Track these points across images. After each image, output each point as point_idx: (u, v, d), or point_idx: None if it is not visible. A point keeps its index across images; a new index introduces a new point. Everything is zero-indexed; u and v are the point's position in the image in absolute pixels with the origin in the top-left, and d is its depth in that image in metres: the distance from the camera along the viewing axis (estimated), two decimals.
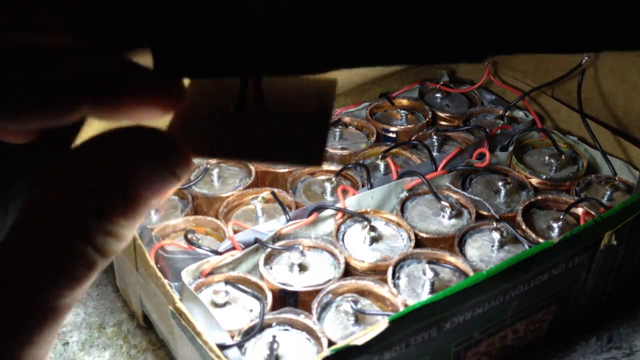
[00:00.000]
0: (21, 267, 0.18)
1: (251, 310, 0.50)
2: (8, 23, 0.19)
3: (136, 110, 0.20)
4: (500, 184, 0.61)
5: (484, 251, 0.55)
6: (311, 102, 0.23)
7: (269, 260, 0.54)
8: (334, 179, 0.63)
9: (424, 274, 0.50)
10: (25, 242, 0.18)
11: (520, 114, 0.74)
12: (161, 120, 0.22)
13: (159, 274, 0.46)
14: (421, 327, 0.43)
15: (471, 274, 0.51)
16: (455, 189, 0.61)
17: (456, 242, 0.55)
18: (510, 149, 0.66)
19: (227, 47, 0.20)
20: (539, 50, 0.20)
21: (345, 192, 0.59)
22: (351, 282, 0.51)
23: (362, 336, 0.40)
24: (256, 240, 0.53)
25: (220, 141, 0.22)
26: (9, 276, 0.18)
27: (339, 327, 0.49)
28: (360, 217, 0.57)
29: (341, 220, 0.57)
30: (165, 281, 0.46)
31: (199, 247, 0.52)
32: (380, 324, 0.41)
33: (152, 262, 0.48)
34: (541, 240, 0.55)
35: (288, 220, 0.56)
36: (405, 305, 0.48)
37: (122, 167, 0.18)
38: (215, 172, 0.63)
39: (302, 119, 0.22)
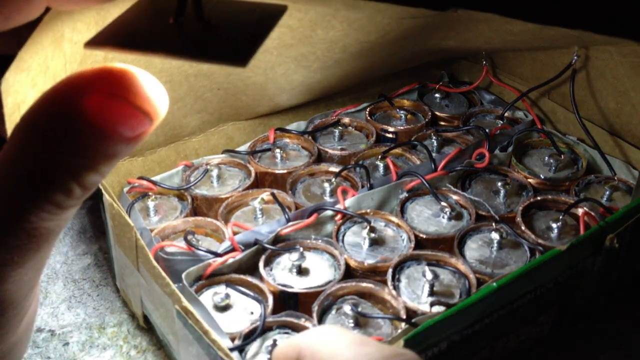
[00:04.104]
0: (4, 185, 0.19)
1: (252, 313, 0.50)
2: None
3: None
4: (499, 184, 0.61)
5: (484, 252, 0.55)
6: (251, 23, 0.24)
7: (269, 261, 0.54)
8: (333, 179, 0.63)
9: (424, 275, 0.50)
10: (12, 164, 0.20)
11: (519, 114, 0.74)
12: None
13: (163, 274, 0.46)
14: (431, 343, 0.43)
15: (471, 275, 0.51)
16: (455, 189, 0.61)
17: (456, 243, 0.55)
18: (510, 149, 0.66)
19: None
20: (508, 14, 0.20)
21: (345, 193, 0.59)
22: (351, 285, 0.51)
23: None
24: (256, 242, 0.53)
25: (151, 40, 0.22)
26: None
27: None
28: (360, 218, 0.57)
29: (341, 221, 0.57)
30: (169, 281, 0.46)
31: (199, 248, 0.52)
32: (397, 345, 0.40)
33: (154, 263, 0.47)
34: (541, 241, 0.55)
35: (288, 222, 0.56)
36: (406, 308, 0.48)
37: (93, 109, 0.20)
38: (214, 173, 0.63)
39: (238, 28, 0.23)
